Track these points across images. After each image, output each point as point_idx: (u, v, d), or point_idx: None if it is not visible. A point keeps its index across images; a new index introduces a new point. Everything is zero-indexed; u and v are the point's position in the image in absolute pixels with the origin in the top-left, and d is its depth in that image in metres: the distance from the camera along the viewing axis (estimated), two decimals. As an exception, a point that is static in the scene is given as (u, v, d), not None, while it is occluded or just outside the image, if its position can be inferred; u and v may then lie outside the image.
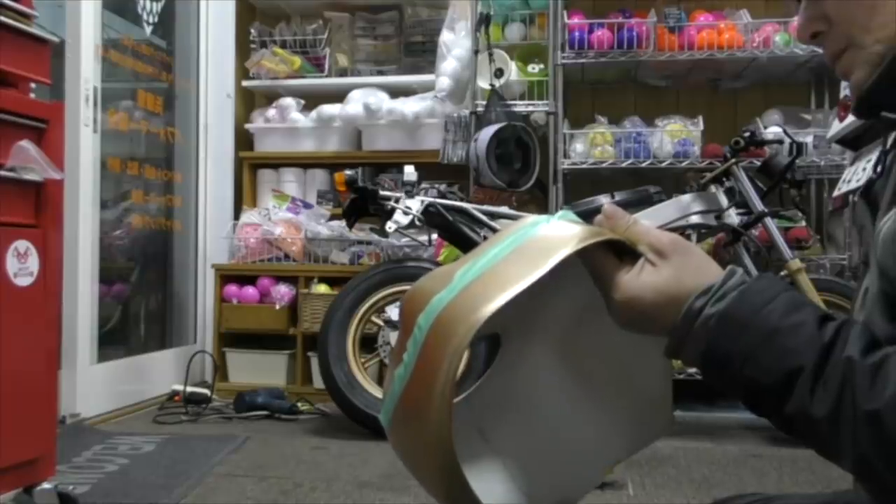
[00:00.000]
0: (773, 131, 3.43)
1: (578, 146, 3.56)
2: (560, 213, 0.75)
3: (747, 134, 2.99)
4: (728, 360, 0.67)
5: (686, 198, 3.00)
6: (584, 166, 3.52)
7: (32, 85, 1.98)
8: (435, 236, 3.23)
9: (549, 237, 0.71)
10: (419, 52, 4.16)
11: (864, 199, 0.88)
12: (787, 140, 3.04)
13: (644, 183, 3.25)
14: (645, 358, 0.77)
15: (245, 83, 4.21)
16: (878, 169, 0.84)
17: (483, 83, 3.53)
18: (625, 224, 0.74)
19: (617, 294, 0.71)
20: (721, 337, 0.67)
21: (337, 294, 3.20)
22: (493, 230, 2.98)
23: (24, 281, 1.86)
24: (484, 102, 3.49)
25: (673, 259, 0.71)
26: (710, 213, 2.98)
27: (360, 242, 3.80)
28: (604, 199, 3.10)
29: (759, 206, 2.96)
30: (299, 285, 3.78)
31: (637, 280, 0.71)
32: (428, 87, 3.91)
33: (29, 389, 1.89)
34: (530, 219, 0.74)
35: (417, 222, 2.92)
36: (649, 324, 0.72)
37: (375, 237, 3.78)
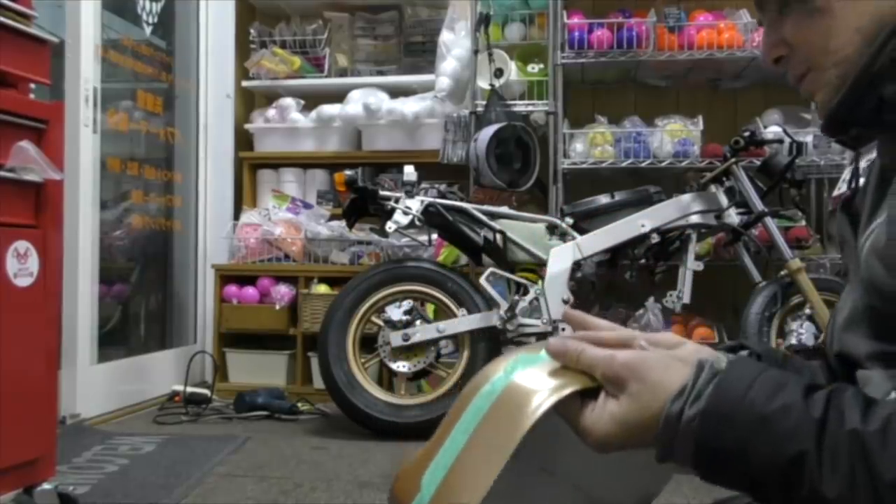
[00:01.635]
0: (772, 131, 3.43)
1: (578, 146, 3.56)
2: (511, 361, 0.71)
3: (747, 134, 2.99)
4: (722, 458, 0.64)
5: (686, 197, 3.00)
6: (583, 166, 3.52)
7: (32, 85, 1.97)
8: (435, 236, 3.23)
9: (504, 414, 0.67)
10: (419, 52, 4.16)
11: (844, 212, 0.87)
12: (787, 140, 3.04)
13: (644, 183, 3.25)
14: None
15: (245, 83, 4.21)
16: (853, 185, 0.84)
17: (483, 83, 3.53)
18: (574, 357, 0.70)
19: (588, 439, 0.68)
20: (708, 436, 0.63)
21: (337, 294, 3.20)
22: (493, 230, 2.98)
23: (24, 281, 1.86)
24: (484, 102, 3.49)
25: (631, 385, 0.67)
26: (710, 212, 2.98)
27: (360, 242, 3.80)
28: (604, 199, 3.11)
29: (759, 205, 2.96)
30: (299, 285, 3.78)
31: (602, 418, 0.67)
32: (428, 87, 3.91)
33: (29, 390, 1.88)
34: (482, 388, 0.70)
35: (417, 222, 2.92)
36: (631, 447, 0.69)
37: (375, 237, 3.78)
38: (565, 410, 0.69)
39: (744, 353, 0.84)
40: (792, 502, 0.63)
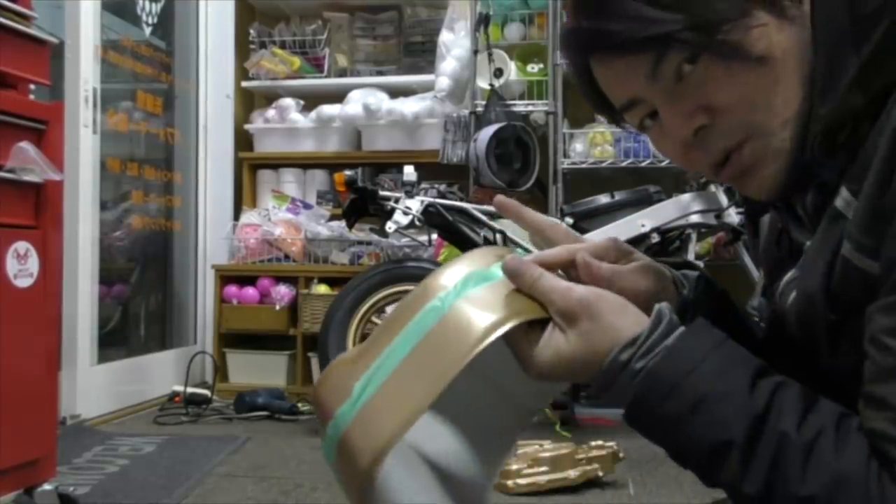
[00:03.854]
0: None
1: (578, 146, 3.56)
2: (462, 276, 0.69)
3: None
4: (654, 421, 0.64)
5: (686, 197, 3.00)
6: (583, 166, 3.52)
7: (32, 86, 1.98)
8: (435, 236, 3.23)
9: (449, 336, 0.66)
10: (419, 52, 4.16)
11: (750, 222, 0.85)
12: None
13: (644, 182, 3.25)
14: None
15: (244, 84, 4.21)
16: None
17: (482, 83, 3.53)
18: (530, 281, 0.67)
19: (530, 370, 0.67)
20: (647, 396, 0.63)
21: (337, 294, 3.20)
22: (493, 230, 2.98)
23: (24, 282, 1.86)
24: (483, 102, 3.49)
25: (582, 322, 0.65)
26: (709, 212, 2.98)
27: (359, 243, 3.80)
28: (604, 199, 3.10)
29: (758, 205, 2.96)
30: (299, 286, 3.78)
31: (547, 351, 0.66)
32: (427, 87, 3.91)
33: (29, 390, 1.88)
34: (429, 302, 0.68)
35: (417, 222, 2.92)
36: (570, 381, 0.69)
37: (375, 237, 3.78)
38: (510, 338, 0.68)
39: (692, 273, 0.81)
40: (710, 481, 0.63)
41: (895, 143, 0.58)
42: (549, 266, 0.71)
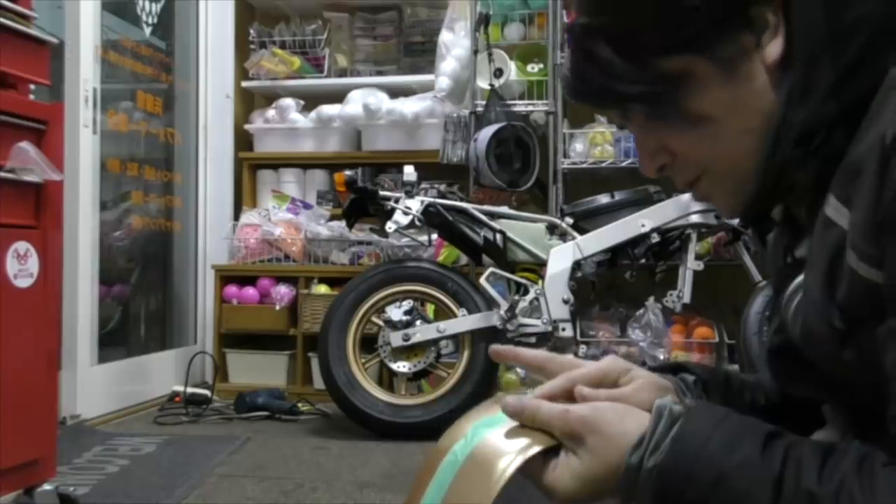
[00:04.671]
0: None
1: (578, 146, 3.55)
2: (472, 426, 0.72)
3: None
4: None
5: (686, 197, 3.00)
6: (583, 166, 3.52)
7: (32, 86, 1.98)
8: (435, 236, 3.23)
9: (470, 483, 0.68)
10: (418, 53, 4.16)
11: (759, 238, 0.86)
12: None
13: (644, 182, 3.25)
14: None
15: (244, 84, 4.21)
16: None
17: (482, 83, 3.53)
18: (531, 415, 0.70)
19: (553, 497, 0.69)
20: (667, 491, 0.64)
21: (337, 294, 3.20)
22: (493, 230, 2.98)
23: (24, 282, 1.86)
24: (483, 102, 3.49)
25: (588, 439, 0.67)
26: (709, 212, 2.98)
27: (360, 243, 3.80)
28: (604, 199, 3.11)
29: (759, 205, 2.95)
30: (299, 286, 3.78)
31: (564, 476, 0.68)
32: (427, 87, 3.91)
33: (29, 391, 1.88)
34: (445, 459, 0.71)
35: (417, 222, 2.92)
36: (596, 499, 0.70)
37: (375, 237, 3.78)
38: (529, 471, 0.69)
39: (689, 377, 0.83)
40: None
41: (883, 155, 0.59)
42: (551, 398, 0.73)
